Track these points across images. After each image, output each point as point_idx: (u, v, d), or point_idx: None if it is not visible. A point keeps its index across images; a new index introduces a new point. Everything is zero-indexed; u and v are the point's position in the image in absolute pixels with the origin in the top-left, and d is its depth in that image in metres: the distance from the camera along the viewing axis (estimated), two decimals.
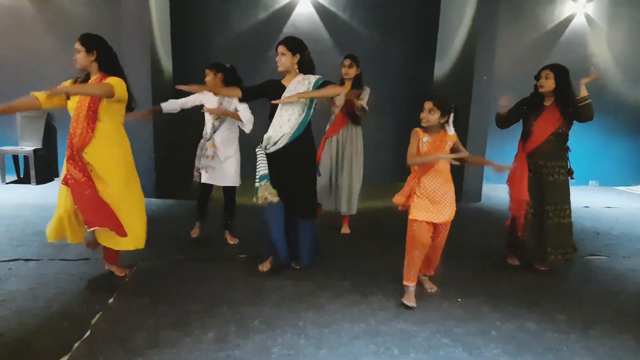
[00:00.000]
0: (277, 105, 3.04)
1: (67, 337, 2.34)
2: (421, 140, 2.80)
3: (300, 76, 3.10)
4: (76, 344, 2.28)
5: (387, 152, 6.84)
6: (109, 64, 2.87)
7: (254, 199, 3.13)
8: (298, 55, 3.06)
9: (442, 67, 6.61)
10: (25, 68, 6.25)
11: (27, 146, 6.20)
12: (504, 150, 5.15)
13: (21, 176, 6.45)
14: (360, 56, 4.08)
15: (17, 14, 6.35)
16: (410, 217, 2.81)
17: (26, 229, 4.08)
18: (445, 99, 2.76)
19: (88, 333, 2.39)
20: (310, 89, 3.02)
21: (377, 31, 7.05)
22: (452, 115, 2.75)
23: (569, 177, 3.43)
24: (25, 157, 6.26)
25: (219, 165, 3.80)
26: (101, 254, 3.16)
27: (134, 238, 2.94)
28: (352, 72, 3.99)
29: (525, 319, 2.73)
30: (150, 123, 5.38)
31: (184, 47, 6.44)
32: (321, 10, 6.91)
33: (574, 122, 3.36)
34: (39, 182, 6.08)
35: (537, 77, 3.37)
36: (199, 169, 3.83)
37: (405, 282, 2.87)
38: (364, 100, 3.98)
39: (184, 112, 3.98)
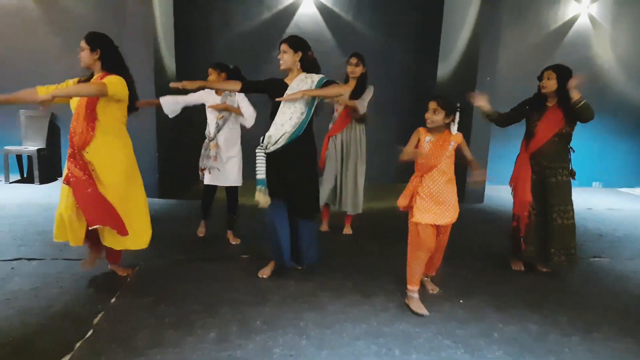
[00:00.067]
0: (279, 103, 3.03)
1: (69, 337, 2.35)
2: (424, 140, 2.79)
3: (303, 74, 3.09)
4: (78, 344, 2.29)
5: (390, 152, 6.72)
6: (113, 63, 2.86)
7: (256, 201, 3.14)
8: (300, 53, 3.06)
9: (445, 67, 6.60)
10: (28, 67, 6.28)
11: (31, 146, 6.23)
12: (506, 151, 5.15)
13: (25, 176, 6.48)
14: (363, 56, 4.07)
15: (22, 14, 6.38)
16: (413, 219, 2.77)
17: (29, 229, 4.09)
18: (449, 98, 2.75)
19: (90, 333, 2.40)
20: (313, 87, 3.01)
21: (380, 32, 7.05)
22: (457, 114, 2.73)
23: (571, 178, 3.42)
24: (29, 157, 6.28)
25: (222, 166, 3.80)
26: (104, 254, 3.16)
27: (137, 238, 2.94)
28: (359, 70, 3.98)
29: (528, 321, 2.72)
30: (153, 123, 5.40)
31: (187, 47, 6.45)
32: (324, 11, 6.91)
33: (577, 122, 3.34)
34: (42, 182, 6.10)
35: (540, 78, 3.36)
36: (203, 170, 3.84)
37: (409, 287, 2.83)
38: (365, 100, 3.96)
39: (186, 112, 3.99)
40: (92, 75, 2.90)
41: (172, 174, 5.92)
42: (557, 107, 3.30)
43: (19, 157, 6.43)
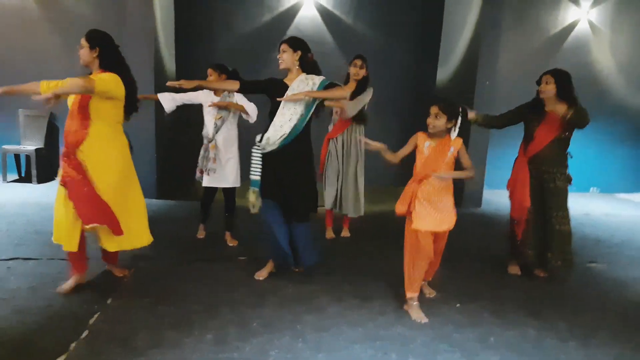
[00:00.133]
0: (278, 103, 3.02)
1: (65, 337, 2.34)
2: (423, 145, 2.77)
3: (303, 75, 3.09)
4: (74, 344, 2.28)
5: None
6: (111, 62, 2.82)
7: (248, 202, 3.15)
8: (299, 52, 3.06)
9: (444, 70, 6.61)
10: (29, 67, 6.27)
11: (30, 145, 6.21)
12: (505, 154, 5.15)
13: (22, 175, 6.47)
14: None
15: (22, 14, 6.38)
16: (413, 226, 2.72)
17: (27, 228, 4.08)
18: (452, 102, 2.71)
19: (86, 333, 2.39)
20: (315, 89, 3.02)
21: (380, 33, 7.06)
22: (459, 119, 2.70)
23: (568, 184, 3.42)
24: (27, 156, 6.27)
25: (221, 167, 3.81)
26: (100, 253, 3.15)
27: (133, 237, 2.91)
28: (362, 73, 3.97)
29: (525, 326, 2.72)
30: (152, 123, 5.39)
31: (188, 48, 6.46)
32: (325, 13, 6.92)
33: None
34: (40, 181, 6.09)
35: (539, 83, 3.36)
36: (202, 171, 3.83)
37: (409, 294, 2.80)
38: (361, 101, 3.94)
39: (184, 112, 3.99)
40: (90, 74, 2.86)
41: (171, 175, 5.91)
42: (555, 112, 3.30)
43: (17, 157, 6.42)
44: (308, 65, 3.12)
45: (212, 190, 3.95)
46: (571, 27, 7.33)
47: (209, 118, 3.84)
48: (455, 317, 2.80)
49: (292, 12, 6.88)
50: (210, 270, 3.36)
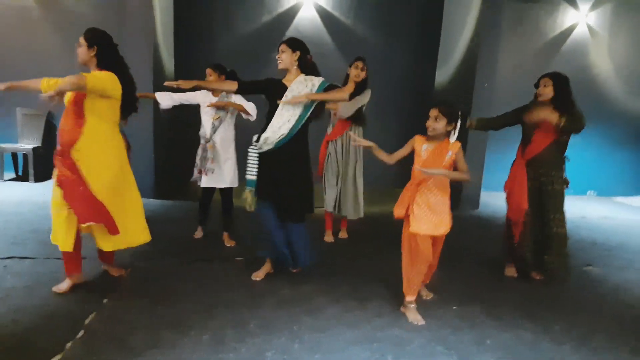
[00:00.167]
0: (277, 104, 3.01)
1: (61, 336, 2.33)
2: (420, 149, 2.74)
3: (302, 76, 3.08)
4: (69, 343, 2.28)
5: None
6: (110, 61, 2.78)
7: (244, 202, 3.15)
8: (298, 53, 3.06)
9: (443, 72, 6.62)
10: (29, 67, 6.25)
11: (27, 144, 6.20)
12: (502, 157, 5.15)
13: (20, 174, 6.45)
14: None
15: (22, 13, 6.37)
16: (411, 229, 2.70)
17: (23, 227, 4.07)
18: (452, 105, 2.68)
19: (82, 333, 2.39)
20: (314, 90, 3.02)
21: (379, 36, 7.07)
22: (458, 122, 2.67)
23: (565, 187, 3.42)
24: (25, 155, 6.25)
25: (219, 168, 3.81)
26: (97, 253, 3.14)
27: (128, 237, 2.88)
28: (363, 75, 3.96)
29: (521, 329, 2.73)
30: (150, 124, 5.38)
31: (187, 49, 6.45)
32: (324, 15, 6.93)
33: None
34: (37, 180, 6.08)
35: (537, 85, 3.37)
36: (201, 171, 3.83)
37: (407, 297, 2.79)
38: (357, 103, 3.94)
39: (182, 112, 3.99)
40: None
41: (169, 175, 5.90)
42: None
43: (14, 155, 6.40)
44: (307, 67, 3.12)
45: (210, 190, 3.96)
46: (570, 30, 7.35)
47: (207, 118, 3.84)
48: (452, 319, 2.80)
49: (291, 13, 6.88)
50: (208, 270, 3.36)
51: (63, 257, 2.87)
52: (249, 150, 3.11)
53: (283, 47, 3.06)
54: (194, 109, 3.94)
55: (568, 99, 3.27)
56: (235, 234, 4.05)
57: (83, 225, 2.72)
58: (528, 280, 3.52)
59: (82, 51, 2.76)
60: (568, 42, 7.38)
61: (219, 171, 3.82)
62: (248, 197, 3.14)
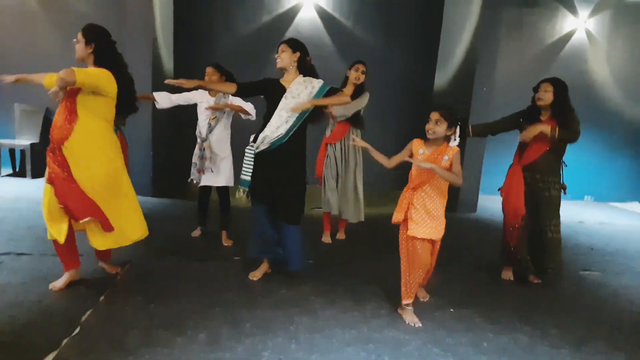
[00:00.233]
0: (275, 104, 3.00)
1: (56, 333, 2.32)
2: (417, 153, 2.72)
3: (301, 77, 3.07)
4: (65, 341, 2.26)
5: (387, 158, 6.81)
6: (107, 59, 2.74)
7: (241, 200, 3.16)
8: (298, 54, 3.06)
9: (442, 75, 6.64)
10: (29, 65, 6.22)
11: (25, 140, 6.18)
12: (500, 162, 5.16)
13: (17, 170, 6.43)
14: None
15: (22, 12, 6.36)
16: (409, 233, 2.69)
17: (20, 223, 4.06)
18: (452, 109, 2.65)
19: (77, 330, 2.38)
20: (314, 93, 3.01)
21: (379, 37, 7.08)
22: (458, 127, 2.65)
23: (562, 193, 3.43)
24: (22, 151, 6.23)
25: (215, 167, 3.82)
26: (94, 250, 3.12)
27: (122, 236, 2.82)
28: (363, 78, 3.96)
29: (518, 332, 2.73)
30: (149, 122, 5.38)
31: (186, 48, 6.45)
32: (324, 16, 6.94)
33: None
34: (34, 177, 6.06)
35: (536, 90, 3.36)
36: (200, 170, 3.84)
37: (405, 300, 2.78)
38: (356, 106, 3.94)
39: (182, 111, 3.98)
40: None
41: (167, 174, 5.89)
42: (551, 120, 3.31)
43: (11, 151, 6.38)
44: (306, 68, 3.11)
45: (208, 189, 3.98)
46: (568, 36, 7.39)
47: (203, 118, 3.84)
48: (449, 321, 2.80)
49: (291, 14, 6.89)
50: (205, 269, 3.35)
51: (58, 252, 2.86)
52: (246, 150, 3.09)
53: (283, 46, 3.05)
54: (192, 108, 3.94)
55: (566, 106, 3.29)
56: (233, 234, 4.04)
57: (80, 222, 2.69)
58: (525, 283, 3.53)
59: (80, 47, 2.72)
60: (567, 48, 7.42)
61: (216, 170, 3.83)
62: (242, 197, 3.13)
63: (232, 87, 3.09)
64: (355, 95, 3.93)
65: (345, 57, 4.51)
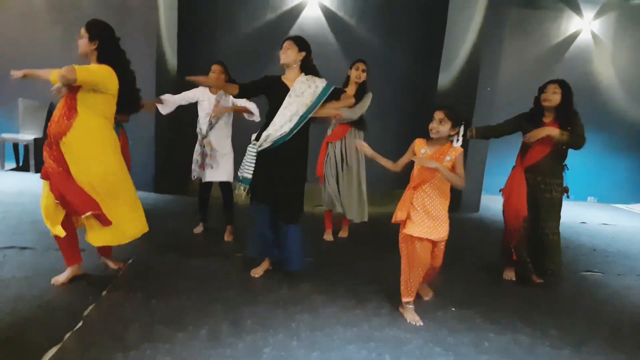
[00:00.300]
0: (277, 103, 2.99)
1: (59, 328, 2.33)
2: (419, 153, 2.70)
3: (303, 76, 3.07)
4: (67, 335, 2.28)
5: (390, 158, 6.81)
6: (110, 56, 2.72)
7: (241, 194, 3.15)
8: (304, 53, 3.05)
9: (446, 75, 6.63)
10: (32, 60, 6.24)
11: (28, 135, 6.20)
12: (503, 162, 5.16)
13: (20, 164, 6.45)
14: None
15: (26, 8, 6.37)
16: (405, 231, 2.69)
17: (23, 217, 4.07)
18: (457, 109, 2.63)
19: (80, 324, 2.39)
20: (318, 92, 3.01)
21: (383, 37, 7.06)
22: (462, 127, 2.63)
23: (565, 196, 3.42)
24: (26, 146, 6.25)
25: (216, 163, 3.84)
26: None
27: (119, 234, 2.80)
28: (364, 77, 3.95)
29: (519, 332, 2.73)
30: (152, 119, 5.38)
31: (190, 45, 6.44)
32: (328, 14, 6.93)
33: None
34: (38, 171, 6.02)
35: (542, 90, 3.33)
36: (201, 166, 3.85)
37: (405, 298, 2.78)
38: (362, 108, 3.95)
39: (184, 109, 4.00)
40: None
41: (169, 170, 5.90)
42: (554, 123, 3.29)
43: (15, 146, 6.40)
44: (308, 67, 3.10)
45: (208, 185, 4.01)
46: (573, 37, 7.36)
47: (203, 115, 3.86)
48: (450, 321, 2.80)
49: (295, 12, 6.88)
50: (207, 266, 3.36)
51: (60, 247, 2.87)
52: (249, 148, 3.08)
53: (290, 43, 3.04)
54: (194, 106, 3.95)
55: (571, 109, 3.28)
56: (234, 230, 4.06)
57: (82, 217, 2.68)
58: (527, 284, 3.52)
59: (84, 43, 2.70)
60: (571, 49, 7.39)
61: (217, 166, 3.85)
62: (242, 195, 3.12)
63: (235, 89, 3.07)
64: (358, 94, 3.91)
65: (349, 56, 4.50)
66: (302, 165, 3.15)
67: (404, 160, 2.80)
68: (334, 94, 3.07)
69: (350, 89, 3.91)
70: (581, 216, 6.38)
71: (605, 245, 4.99)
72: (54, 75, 2.73)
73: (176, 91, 3.94)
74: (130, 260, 3.31)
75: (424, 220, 2.66)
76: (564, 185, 3.43)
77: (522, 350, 2.53)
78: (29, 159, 6.11)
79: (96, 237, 2.77)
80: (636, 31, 7.48)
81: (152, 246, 3.60)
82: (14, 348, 2.16)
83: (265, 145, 3.01)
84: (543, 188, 3.36)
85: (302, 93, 3.01)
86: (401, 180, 2.92)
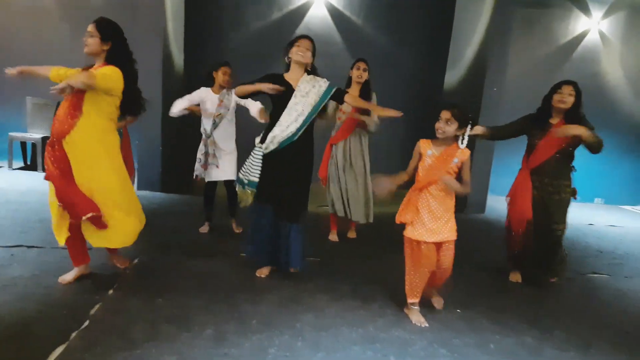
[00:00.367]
0: (282, 103, 2.98)
1: (66, 326, 2.35)
2: (425, 154, 2.67)
3: (307, 76, 3.07)
4: (74, 333, 2.29)
5: (396, 158, 6.82)
6: (121, 58, 2.71)
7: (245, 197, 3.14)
8: (313, 58, 3.08)
9: (452, 75, 6.60)
10: (39, 58, 6.29)
11: (36, 133, 6.24)
12: (509, 161, 5.13)
13: (28, 163, 6.50)
14: (371, 60, 4.05)
15: (34, 6, 6.42)
16: (405, 233, 2.69)
17: (30, 216, 4.10)
18: (464, 108, 2.59)
19: (87, 323, 2.40)
20: (321, 92, 3.02)
21: (389, 36, 7.05)
22: (469, 128, 2.60)
23: (573, 197, 3.39)
24: (33, 145, 6.30)
25: (221, 161, 3.89)
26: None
27: (115, 237, 2.79)
28: (365, 76, 3.93)
29: (524, 334, 2.72)
30: (158, 119, 5.40)
31: (197, 44, 6.47)
32: (335, 13, 6.92)
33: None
34: (45, 170, 6.11)
35: (555, 91, 3.25)
36: (203, 166, 3.88)
37: (410, 300, 2.78)
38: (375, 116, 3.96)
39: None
40: (91, 65, 2.76)
41: (175, 170, 5.92)
42: (561, 124, 3.25)
43: (23, 144, 6.45)
44: (310, 68, 3.13)
45: (213, 184, 4.04)
46: (581, 36, 7.31)
47: (207, 114, 3.87)
48: (455, 322, 2.80)
49: (301, 11, 6.88)
50: (212, 265, 3.37)
51: (68, 247, 2.88)
52: (254, 151, 3.06)
53: (310, 45, 3.05)
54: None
55: (580, 111, 3.25)
56: (241, 223, 4.12)
57: (84, 218, 2.65)
58: (533, 285, 3.50)
59: (95, 43, 2.66)
60: (579, 49, 7.34)
61: (221, 165, 3.89)
62: (250, 199, 3.11)
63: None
64: (362, 94, 3.90)
65: (355, 55, 4.48)
66: (308, 165, 3.15)
67: (412, 165, 2.76)
68: (336, 94, 3.08)
69: (353, 90, 3.89)
70: (588, 218, 6.34)
71: (613, 247, 4.96)
72: (54, 72, 2.71)
73: (182, 90, 3.96)
74: (136, 260, 3.32)
75: (428, 222, 2.64)
76: (573, 187, 3.40)
77: (527, 352, 2.52)
78: (37, 157, 6.15)
79: (93, 238, 2.78)
80: None
81: (157, 245, 3.62)
82: (21, 346, 2.18)
83: (272, 147, 3.01)
84: (551, 190, 3.32)
85: (307, 93, 3.01)
86: (408, 180, 2.89)
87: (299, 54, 3.01)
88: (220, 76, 3.83)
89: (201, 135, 3.95)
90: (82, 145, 2.64)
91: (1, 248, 3.33)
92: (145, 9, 5.36)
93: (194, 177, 3.98)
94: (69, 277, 2.87)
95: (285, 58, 3.11)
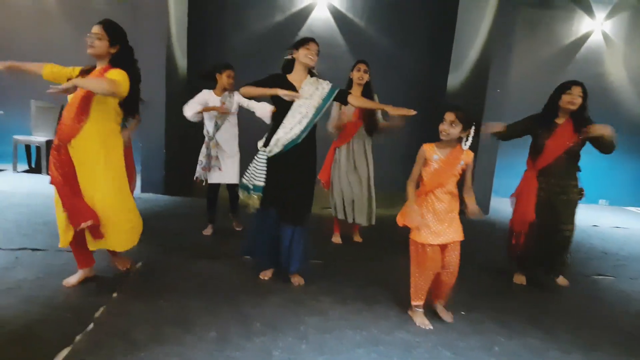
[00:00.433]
0: (286, 104, 2.97)
1: (70, 329, 2.36)
2: (431, 159, 2.65)
3: (309, 78, 3.07)
4: (79, 336, 2.29)
5: (398, 160, 6.81)
6: (127, 61, 2.71)
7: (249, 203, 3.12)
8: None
9: (455, 77, 6.60)
10: (42, 58, 6.33)
11: (40, 136, 6.27)
12: (513, 164, 5.13)
13: (33, 166, 6.52)
14: (374, 62, 4.06)
15: (37, 7, 6.45)
16: (411, 235, 2.69)
17: (35, 219, 4.12)
18: (468, 111, 2.57)
19: (91, 326, 2.41)
20: (324, 94, 3.02)
21: (392, 38, 7.06)
22: (472, 130, 2.58)
23: (580, 197, 3.38)
24: (38, 147, 6.32)
25: (224, 164, 3.90)
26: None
27: (114, 239, 2.79)
28: (366, 77, 3.93)
29: (529, 336, 2.71)
30: (162, 121, 5.42)
31: (200, 46, 6.49)
32: (337, 16, 6.93)
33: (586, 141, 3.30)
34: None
35: (564, 91, 3.23)
36: (205, 168, 3.89)
37: (414, 302, 2.77)
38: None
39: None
40: (94, 67, 2.74)
41: (179, 172, 5.93)
42: (568, 124, 3.26)
43: (27, 147, 6.47)
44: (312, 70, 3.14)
45: (216, 186, 4.06)
46: (585, 38, 7.30)
47: (210, 116, 3.89)
48: (460, 324, 2.79)
49: (304, 13, 6.89)
50: (215, 267, 3.37)
51: (72, 250, 2.89)
52: (258, 156, 3.04)
53: (317, 48, 3.03)
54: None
55: (586, 112, 3.25)
56: (242, 230, 4.11)
57: (82, 225, 2.65)
58: (537, 287, 3.49)
59: (103, 45, 2.63)
60: (582, 50, 7.33)
61: (224, 167, 3.90)
62: (256, 203, 3.08)
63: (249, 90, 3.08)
64: (363, 96, 3.87)
65: (358, 57, 4.47)
66: (312, 167, 3.15)
67: (416, 172, 2.73)
68: (339, 96, 3.08)
69: (355, 92, 3.88)
70: (593, 219, 6.31)
71: (617, 248, 4.93)
72: (47, 70, 2.68)
73: (185, 92, 3.97)
74: (139, 263, 3.33)
75: (433, 225, 2.64)
76: (580, 187, 3.39)
77: (532, 355, 2.51)
78: (41, 160, 6.17)
79: (89, 243, 2.79)
80: None
81: (160, 248, 3.62)
82: (26, 348, 2.18)
83: (276, 150, 3.00)
84: (558, 191, 3.30)
85: (310, 95, 3.00)
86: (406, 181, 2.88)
87: (309, 57, 2.99)
88: (224, 79, 3.85)
89: (204, 137, 3.96)
90: (86, 149, 2.65)
91: (6, 251, 3.35)
92: (147, 10, 5.37)
93: (195, 178, 4.00)
94: (73, 280, 2.87)
95: (290, 56, 3.07)
